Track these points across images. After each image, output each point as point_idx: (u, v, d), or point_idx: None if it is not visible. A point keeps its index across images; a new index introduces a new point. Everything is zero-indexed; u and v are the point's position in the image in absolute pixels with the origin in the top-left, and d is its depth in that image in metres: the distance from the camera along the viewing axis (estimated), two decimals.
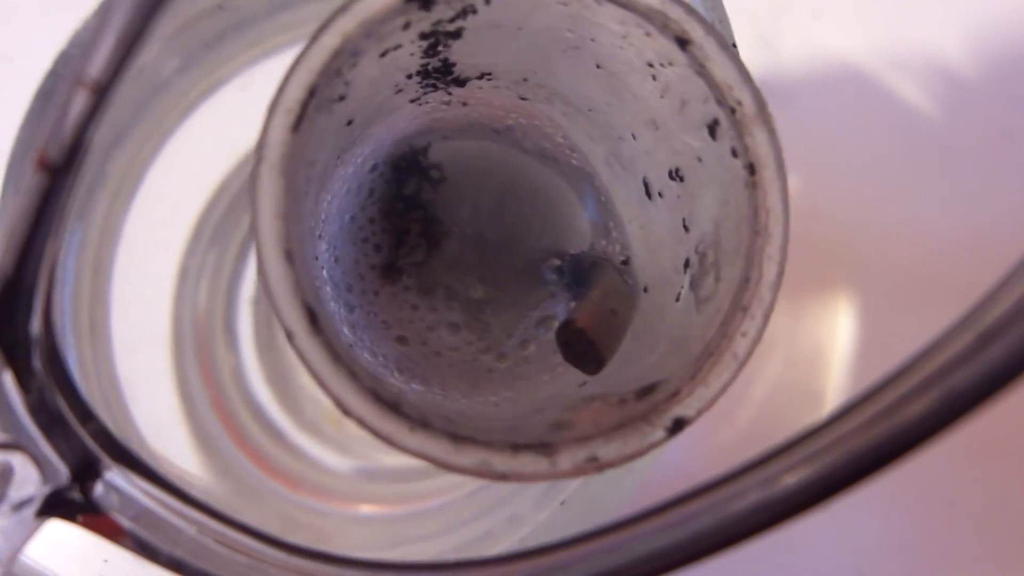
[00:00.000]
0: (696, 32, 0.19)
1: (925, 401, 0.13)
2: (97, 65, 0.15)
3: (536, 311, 0.26)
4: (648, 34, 0.20)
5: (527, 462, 0.18)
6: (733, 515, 0.14)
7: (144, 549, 0.16)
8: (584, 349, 0.22)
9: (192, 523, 0.16)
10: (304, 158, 0.19)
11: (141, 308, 0.37)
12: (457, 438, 0.18)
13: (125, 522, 0.16)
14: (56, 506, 0.16)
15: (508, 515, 0.28)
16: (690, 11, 0.19)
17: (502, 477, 0.18)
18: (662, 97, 0.21)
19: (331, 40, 0.18)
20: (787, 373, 0.42)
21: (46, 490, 0.16)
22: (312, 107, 0.18)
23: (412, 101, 0.23)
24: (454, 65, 0.22)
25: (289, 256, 0.17)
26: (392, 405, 0.18)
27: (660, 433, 0.19)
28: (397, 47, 0.20)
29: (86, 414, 0.16)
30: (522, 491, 0.27)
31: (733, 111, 0.19)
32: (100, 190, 0.33)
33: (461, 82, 0.23)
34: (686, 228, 0.22)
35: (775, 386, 0.42)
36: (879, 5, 0.44)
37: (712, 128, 0.20)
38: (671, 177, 0.22)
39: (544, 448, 0.18)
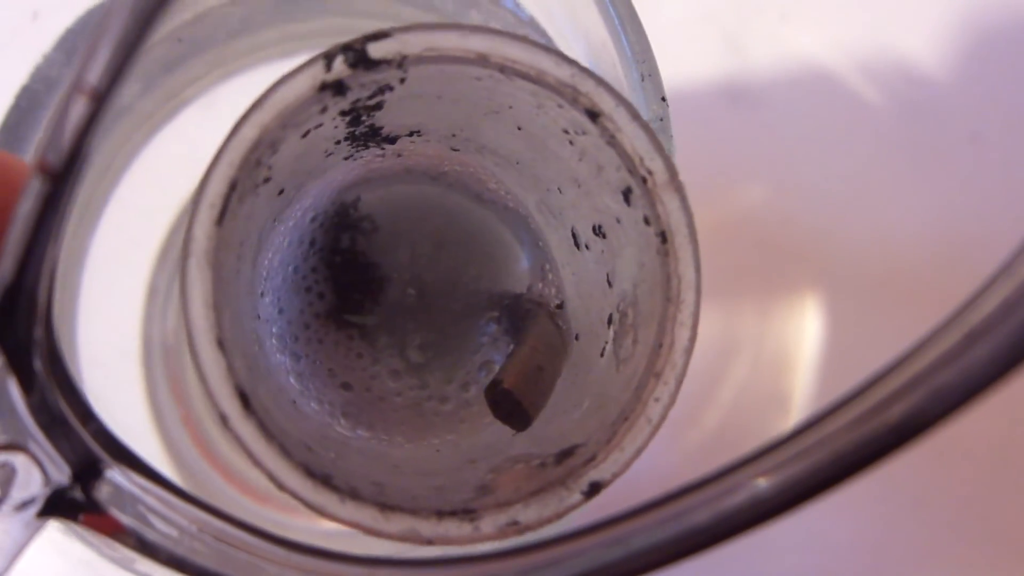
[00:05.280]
0: (606, 104, 0.20)
1: (911, 400, 0.14)
2: (95, 73, 0.15)
3: (477, 355, 0.26)
4: (560, 106, 0.20)
5: (451, 527, 0.19)
6: (725, 511, 0.15)
7: (145, 547, 0.16)
8: (511, 408, 0.22)
9: (193, 521, 0.17)
10: (233, 243, 0.19)
11: (109, 325, 0.36)
12: (385, 507, 0.19)
13: (126, 520, 0.16)
14: (58, 506, 0.16)
15: None
16: (600, 83, 0.20)
17: (428, 542, 0.19)
18: (580, 160, 0.21)
19: (249, 132, 0.19)
20: (754, 376, 0.42)
21: (48, 490, 0.16)
22: (235, 199, 0.19)
23: (346, 159, 0.24)
24: (381, 128, 0.22)
25: (221, 344, 0.18)
26: (323, 478, 0.19)
27: (577, 497, 0.20)
28: (319, 126, 0.20)
29: (87, 414, 0.16)
30: None
31: (644, 181, 0.20)
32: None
33: (392, 140, 0.23)
34: (610, 283, 0.22)
35: (742, 389, 0.42)
36: (845, 7, 0.44)
37: (626, 195, 0.21)
38: (594, 232, 0.23)
39: (468, 514, 0.19)
